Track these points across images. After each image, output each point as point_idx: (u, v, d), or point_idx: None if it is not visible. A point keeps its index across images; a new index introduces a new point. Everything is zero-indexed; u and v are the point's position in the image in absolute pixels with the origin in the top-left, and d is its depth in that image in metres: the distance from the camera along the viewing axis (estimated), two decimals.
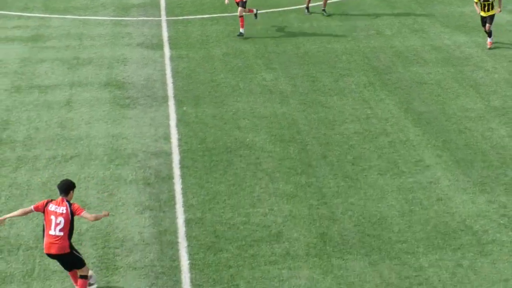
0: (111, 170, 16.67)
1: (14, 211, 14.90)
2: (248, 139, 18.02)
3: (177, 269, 13.38)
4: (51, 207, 12.01)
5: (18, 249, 13.89)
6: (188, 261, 13.56)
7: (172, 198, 15.58)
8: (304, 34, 25.09)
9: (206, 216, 14.93)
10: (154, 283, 13.00)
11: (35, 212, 12.31)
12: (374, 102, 19.94)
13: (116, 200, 15.49)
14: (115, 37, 25.21)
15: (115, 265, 13.47)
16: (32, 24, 26.53)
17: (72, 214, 12.03)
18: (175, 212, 15.08)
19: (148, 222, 14.72)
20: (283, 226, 14.56)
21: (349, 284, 12.91)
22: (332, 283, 12.96)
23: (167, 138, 18.14)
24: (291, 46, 23.97)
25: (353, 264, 13.44)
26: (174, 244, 14.06)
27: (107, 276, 13.17)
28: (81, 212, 12.04)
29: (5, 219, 12.51)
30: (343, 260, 13.55)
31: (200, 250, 13.88)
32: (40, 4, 28.97)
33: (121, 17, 27.39)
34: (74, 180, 15.93)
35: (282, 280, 13.06)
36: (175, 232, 14.42)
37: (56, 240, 11.90)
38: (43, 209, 12.08)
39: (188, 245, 14.00)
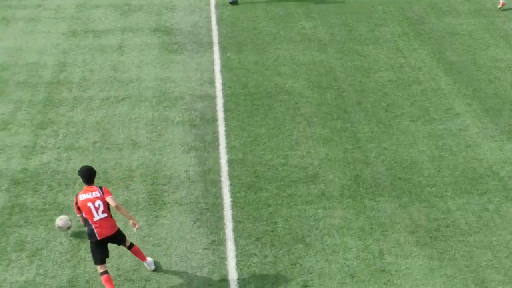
0: (159, 111, 16.66)
1: (70, 147, 15.12)
2: (287, 85, 17.84)
3: (220, 206, 13.43)
4: (82, 197, 11.11)
5: (75, 183, 14.02)
6: (230, 199, 13.59)
7: (216, 139, 15.55)
8: None
9: (247, 157, 14.90)
10: (198, 218, 13.08)
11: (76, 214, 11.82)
12: (407, 51, 19.56)
13: (164, 140, 15.51)
14: None
15: (163, 201, 13.55)
16: None
17: (104, 195, 11.19)
18: (218, 152, 15.07)
19: (194, 161, 14.74)
20: (319, 168, 14.48)
21: (380, 225, 12.86)
22: (364, 223, 12.92)
23: (211, 82, 18.04)
24: None
25: (384, 205, 13.37)
26: (217, 183, 14.08)
27: (155, 211, 13.27)
28: (109, 195, 11.20)
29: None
30: (375, 201, 13.47)
31: (241, 188, 13.89)
32: None
33: None
34: (125, 121, 16.17)
35: (318, 219, 13.05)
36: (218, 171, 14.43)
37: (104, 223, 11.12)
38: (77, 206, 11.32)
39: (230, 184, 14.02)
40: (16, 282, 11.54)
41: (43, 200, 13.52)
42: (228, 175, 14.29)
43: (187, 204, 13.46)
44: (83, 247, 12.31)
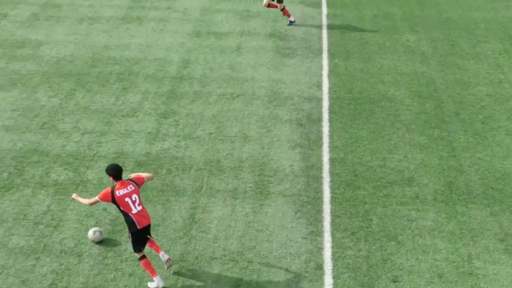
0: (270, 109, 16.71)
1: (188, 136, 15.38)
2: (389, 93, 17.53)
3: (319, 200, 13.34)
4: (119, 193, 10.77)
5: (190, 168, 14.24)
6: (329, 194, 13.48)
7: (320, 138, 15.46)
8: (447, 1, 23.91)
9: (348, 157, 14.73)
10: (299, 210, 13.03)
11: (100, 202, 11.12)
12: (507, 68, 18.83)
13: (272, 136, 15.54)
14: None
15: (268, 191, 13.58)
16: None
17: (138, 185, 11.03)
18: (321, 151, 14.97)
19: (298, 157, 14.70)
20: (415, 172, 14.16)
21: (471, 230, 12.45)
22: (455, 227, 12.53)
23: (319, 86, 17.93)
24: (435, 12, 22.92)
25: (475, 212, 12.93)
26: (318, 179, 13.99)
27: (260, 199, 13.31)
28: (142, 178, 11.14)
29: (75, 198, 11.41)
30: (467, 208, 13.05)
31: (340, 186, 13.75)
32: None
33: None
34: (239, 116, 16.29)
35: (410, 220, 12.76)
36: (320, 168, 14.33)
37: (142, 214, 10.90)
38: (111, 200, 10.83)
39: (331, 181, 13.90)
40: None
41: (162, 182, 13.79)
42: (329, 172, 14.17)
43: (290, 196, 13.43)
44: (195, 227, 12.49)
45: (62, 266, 11.46)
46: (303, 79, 18.28)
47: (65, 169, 14.13)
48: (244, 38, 20.96)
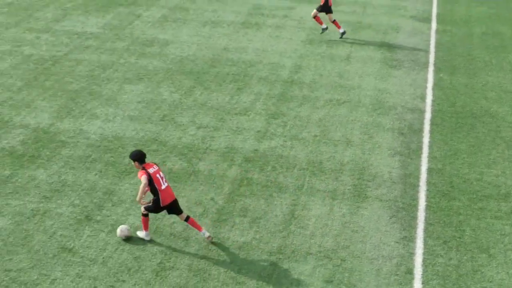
0: (373, 117, 16.44)
1: (294, 137, 15.38)
2: (492, 109, 16.84)
3: (415, 207, 13.00)
4: (151, 170, 11.27)
5: (294, 167, 14.23)
6: (425, 203, 13.11)
7: (419, 148, 15.06)
8: None
9: (446, 168, 14.27)
10: (394, 215, 12.75)
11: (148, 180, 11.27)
12: None
13: (374, 142, 15.29)
14: (392, 9, 24.57)
15: (365, 195, 13.38)
16: None
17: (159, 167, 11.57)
18: (420, 160, 14.58)
19: (397, 165, 14.39)
20: None
21: None
22: None
23: (422, 98, 17.48)
24: None
25: None
26: (415, 187, 13.64)
27: (358, 202, 13.13)
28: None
29: (140, 200, 11.41)
30: None
31: (436, 195, 13.34)
32: None
33: None
34: (343, 122, 16.14)
35: (504, 234, 12.21)
36: (417, 177, 13.96)
37: (168, 190, 11.42)
38: (149, 177, 11.19)
39: (427, 190, 13.51)
40: (237, 241, 11.94)
41: (267, 178, 13.87)
42: (426, 182, 13.78)
43: (386, 201, 13.17)
44: (294, 222, 12.48)
45: (171, 248, 11.75)
46: (408, 90, 17.87)
47: (179, 159, 14.47)
48: (354, 48, 20.73)
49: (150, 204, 11.55)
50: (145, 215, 11.77)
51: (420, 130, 15.82)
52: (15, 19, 22.72)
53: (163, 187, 11.34)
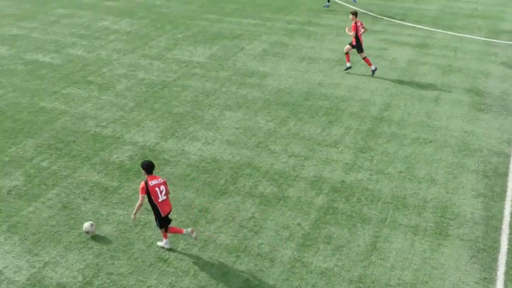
0: (458, 158, 15.89)
1: (380, 172, 15.07)
2: None
3: (496, 249, 12.39)
4: (151, 183, 11.37)
5: (378, 200, 13.94)
6: (507, 246, 12.47)
7: (503, 191, 14.40)
8: None
9: None
10: (475, 255, 12.21)
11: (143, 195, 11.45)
12: None
13: (458, 182, 14.76)
14: (483, 54, 23.82)
15: (447, 233, 12.89)
16: (421, 34, 26.15)
17: (166, 183, 11.65)
18: (504, 203, 13.93)
19: (480, 206, 13.80)
20: None
21: None
22: None
23: (509, 142, 16.75)
24: None
25: None
26: (497, 229, 13.02)
27: (439, 239, 12.66)
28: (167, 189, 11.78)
29: (135, 217, 11.67)
30: None
31: None
32: (429, 20, 28.46)
33: (492, 39, 25.76)
34: (429, 160, 15.68)
35: None
36: (500, 220, 13.34)
37: (167, 203, 11.56)
38: (146, 190, 11.35)
39: (510, 233, 12.86)
40: (319, 267, 11.77)
41: (351, 209, 13.63)
42: (509, 225, 13.13)
43: (468, 241, 12.63)
44: (375, 253, 12.17)
45: (257, 267, 11.71)
46: (495, 134, 17.19)
47: (271, 184, 14.48)
48: (443, 89, 20.20)
49: (156, 222, 11.76)
50: (164, 230, 11.95)
51: (505, 174, 15.14)
52: (132, 46, 23.65)
53: (160, 199, 11.45)
